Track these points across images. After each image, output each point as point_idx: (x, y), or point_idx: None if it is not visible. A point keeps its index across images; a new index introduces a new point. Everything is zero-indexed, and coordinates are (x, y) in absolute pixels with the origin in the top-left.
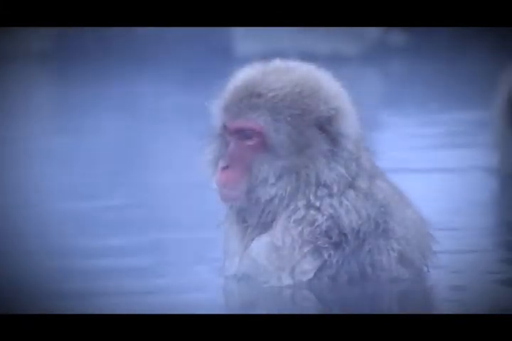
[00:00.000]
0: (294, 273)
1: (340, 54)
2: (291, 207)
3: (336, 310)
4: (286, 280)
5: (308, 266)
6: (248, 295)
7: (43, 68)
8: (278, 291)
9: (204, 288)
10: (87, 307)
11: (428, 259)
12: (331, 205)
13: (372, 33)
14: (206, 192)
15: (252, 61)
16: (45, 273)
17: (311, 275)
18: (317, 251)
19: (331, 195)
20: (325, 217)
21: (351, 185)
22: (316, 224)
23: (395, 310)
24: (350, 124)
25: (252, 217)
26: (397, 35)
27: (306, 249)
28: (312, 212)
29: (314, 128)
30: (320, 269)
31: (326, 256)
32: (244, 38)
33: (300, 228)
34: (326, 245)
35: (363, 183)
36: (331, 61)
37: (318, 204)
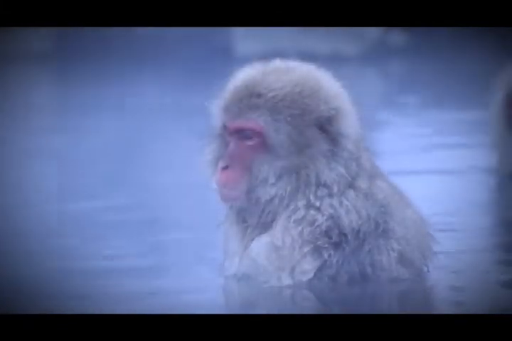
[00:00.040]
0: (293, 273)
1: (340, 54)
2: (291, 207)
3: (336, 310)
4: (286, 280)
5: (308, 266)
6: (248, 295)
7: (43, 68)
8: (278, 291)
9: (204, 288)
10: (87, 307)
11: (428, 259)
12: (331, 205)
13: (372, 33)
14: (206, 192)
15: (252, 61)
16: (45, 273)
17: (311, 275)
18: (317, 251)
19: (331, 195)
20: (325, 217)
21: (351, 185)
22: (316, 224)
23: (395, 310)
24: (350, 124)
25: (252, 217)
26: (397, 35)
27: (306, 249)
28: (312, 212)
29: (314, 128)
30: (320, 269)
31: (326, 256)
32: (244, 38)
33: (300, 228)
34: (326, 245)
35: (363, 183)
36: (331, 61)
37: (318, 204)
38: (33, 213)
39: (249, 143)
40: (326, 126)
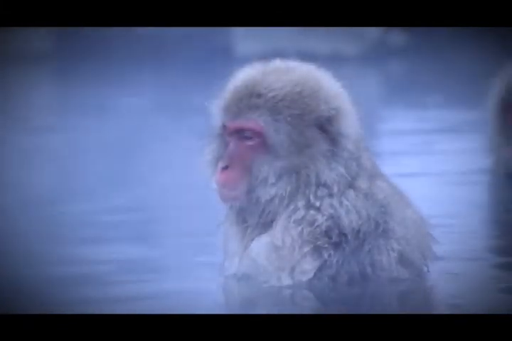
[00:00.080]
0: (293, 273)
1: (340, 54)
2: (291, 207)
3: (336, 310)
4: (286, 280)
5: (308, 266)
6: (248, 295)
7: (43, 68)
8: (278, 291)
9: (204, 288)
10: (87, 307)
11: (428, 259)
12: (331, 205)
13: (372, 33)
14: (206, 192)
15: (252, 61)
16: (45, 273)
17: (310, 275)
18: (317, 251)
19: (331, 195)
20: (325, 217)
21: (351, 185)
22: (316, 224)
23: (395, 310)
24: (350, 124)
25: (252, 217)
26: (397, 35)
27: (305, 249)
28: (312, 212)
29: (314, 128)
30: (320, 269)
31: (325, 256)
32: (244, 38)
33: (300, 228)
34: (326, 245)
35: (363, 183)
36: (331, 61)
37: (318, 204)
38: (33, 213)
39: (249, 143)
40: (326, 126)
